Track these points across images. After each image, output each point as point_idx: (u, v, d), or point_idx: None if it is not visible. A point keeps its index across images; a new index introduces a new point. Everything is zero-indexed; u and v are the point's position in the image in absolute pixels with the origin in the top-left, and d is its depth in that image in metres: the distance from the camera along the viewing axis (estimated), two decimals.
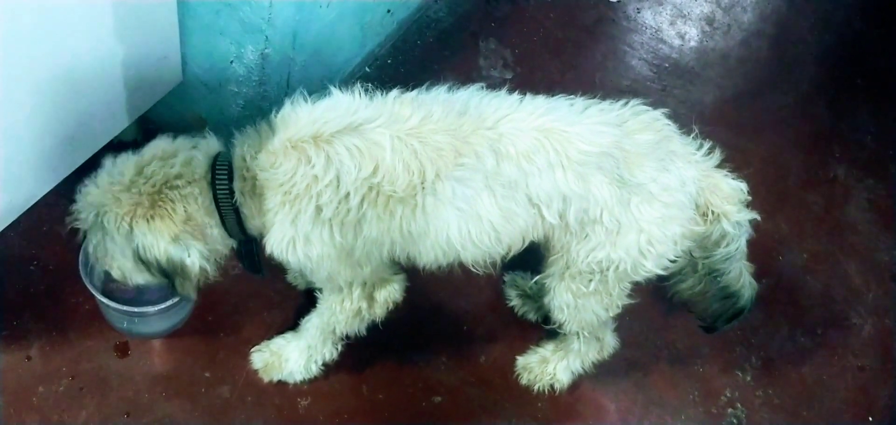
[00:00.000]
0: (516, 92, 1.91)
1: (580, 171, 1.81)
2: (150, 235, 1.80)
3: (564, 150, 1.80)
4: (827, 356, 2.79)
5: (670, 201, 1.88)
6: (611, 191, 1.84)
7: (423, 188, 1.77)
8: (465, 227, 1.83)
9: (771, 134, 3.49)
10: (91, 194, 1.85)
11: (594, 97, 1.95)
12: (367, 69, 3.21)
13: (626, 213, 1.87)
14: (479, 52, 3.44)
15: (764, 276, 2.42)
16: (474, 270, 1.97)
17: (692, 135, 2.01)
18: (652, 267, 1.96)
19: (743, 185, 2.01)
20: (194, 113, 2.59)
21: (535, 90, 1.96)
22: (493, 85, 1.95)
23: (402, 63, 3.31)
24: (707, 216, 1.98)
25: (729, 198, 1.98)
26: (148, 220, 1.80)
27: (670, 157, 1.89)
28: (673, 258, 1.99)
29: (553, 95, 1.94)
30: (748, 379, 2.67)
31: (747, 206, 2.03)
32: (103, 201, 1.82)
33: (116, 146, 2.50)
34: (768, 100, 3.67)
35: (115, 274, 1.94)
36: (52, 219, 2.46)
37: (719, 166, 2.01)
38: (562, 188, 1.82)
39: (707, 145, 1.99)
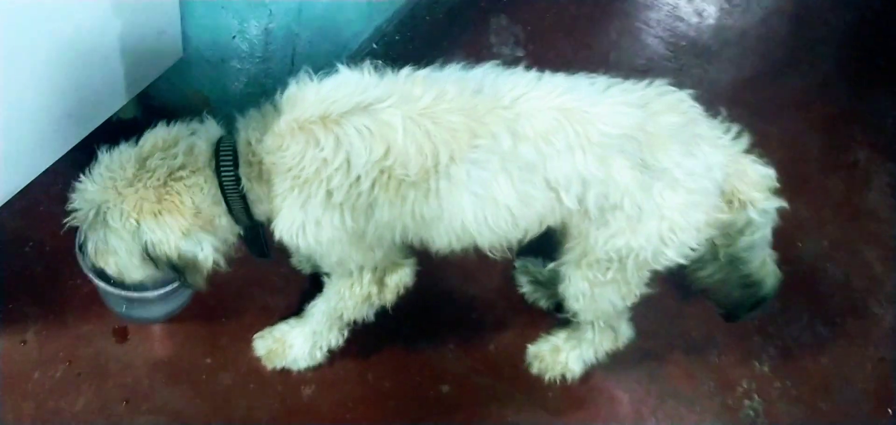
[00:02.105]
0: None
1: (601, 154, 1.74)
2: (159, 231, 1.75)
3: (585, 132, 1.72)
4: (846, 346, 2.71)
5: (695, 187, 1.80)
6: (633, 176, 1.76)
7: (437, 171, 1.70)
8: (481, 212, 1.76)
9: (790, 116, 3.40)
10: (89, 190, 1.79)
11: (608, 77, 1.87)
12: (375, 45, 3.13)
13: (649, 199, 1.79)
14: (490, 29, 3.36)
15: (782, 263, 2.36)
16: (491, 255, 1.91)
17: (719, 118, 1.92)
18: (673, 255, 1.89)
19: (771, 171, 1.93)
20: (196, 90, 2.51)
21: (548, 68, 1.89)
22: (505, 63, 1.89)
23: (411, 39, 3.23)
24: (733, 203, 1.91)
25: (756, 185, 1.90)
26: (156, 215, 1.75)
27: (696, 141, 1.81)
28: (695, 246, 1.91)
29: (566, 73, 1.86)
30: (765, 369, 2.60)
31: (775, 193, 1.95)
32: (105, 197, 1.77)
33: (115, 124, 2.47)
34: (787, 80, 3.57)
35: (111, 271, 1.88)
36: (49, 198, 2.39)
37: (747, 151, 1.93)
38: (581, 171, 1.74)
39: (735, 129, 1.91)
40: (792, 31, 3.85)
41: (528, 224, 1.82)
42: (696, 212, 1.83)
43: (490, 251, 1.88)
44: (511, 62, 1.89)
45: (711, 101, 2.04)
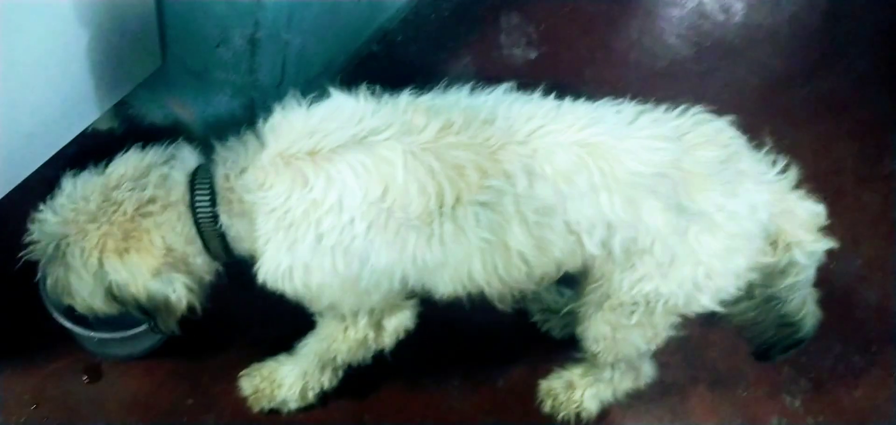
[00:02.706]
0: (542, 78, 1.68)
1: (630, 195, 1.56)
2: (125, 271, 1.59)
3: (611, 170, 1.55)
4: (883, 377, 2.54)
5: (736, 231, 1.62)
6: (665, 219, 1.58)
7: (441, 214, 1.53)
8: (491, 259, 1.59)
9: (823, 122, 3.20)
10: (49, 222, 1.63)
11: (627, 81, 1.71)
12: (375, 47, 2.93)
13: (683, 244, 1.61)
14: (501, 28, 3.14)
15: (814, 288, 2.20)
16: (500, 306, 1.72)
17: (764, 150, 1.73)
18: (708, 302, 1.72)
19: (820, 208, 1.76)
20: (178, 101, 2.32)
21: (563, 72, 1.69)
22: (516, 65, 1.71)
23: (414, 40, 3.02)
24: (777, 244, 1.72)
25: (804, 225, 1.72)
26: (121, 254, 1.59)
27: (738, 179, 1.62)
28: (734, 293, 1.74)
29: (583, 77, 1.69)
30: (797, 404, 2.44)
31: (823, 231, 1.78)
32: (65, 232, 1.61)
33: (90, 136, 2.28)
34: (821, 83, 3.37)
35: (79, 308, 1.73)
36: (15, 221, 2.16)
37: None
38: (607, 215, 1.57)
39: (782, 161, 1.74)
40: (825, 30, 3.64)
41: (543, 271, 1.66)
42: (737, 257, 1.66)
43: (499, 302, 1.71)
44: (523, 64, 1.70)
45: (738, 106, 1.88)
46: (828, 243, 1.77)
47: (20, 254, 1.69)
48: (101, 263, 1.59)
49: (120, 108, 2.33)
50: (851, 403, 2.46)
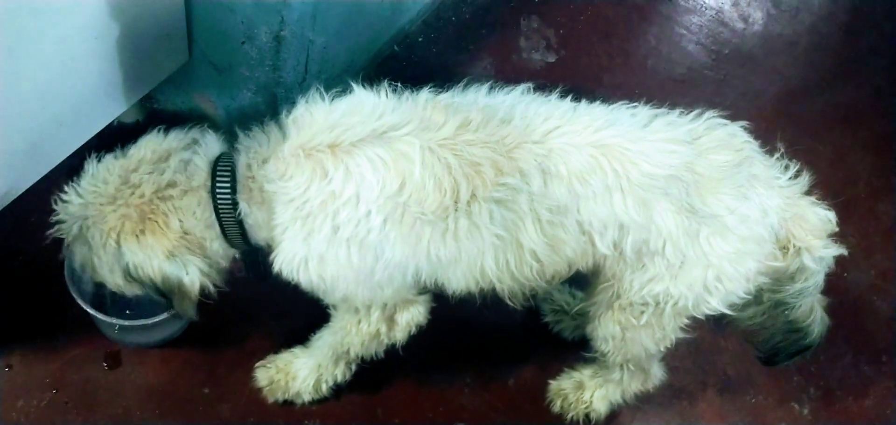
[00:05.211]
0: (560, 82, 1.68)
1: (643, 197, 1.57)
2: (141, 253, 1.61)
3: (625, 172, 1.56)
4: (892, 387, 2.53)
5: (747, 234, 1.63)
6: (677, 221, 1.59)
7: (457, 209, 1.55)
8: (503, 256, 1.61)
9: (839, 132, 3.20)
10: (73, 204, 1.66)
11: (645, 87, 1.71)
12: (396, 48, 2.95)
13: (694, 246, 1.63)
14: (520, 32, 3.14)
15: (826, 296, 2.21)
16: (511, 303, 1.73)
17: (776, 155, 1.74)
18: (717, 304, 1.73)
19: (831, 215, 1.76)
20: (203, 95, 2.35)
21: (581, 76, 1.71)
22: (534, 68, 1.72)
23: (434, 41, 3.03)
24: (787, 249, 1.73)
25: (815, 231, 1.73)
26: (137, 236, 1.60)
27: (750, 183, 1.63)
28: (744, 296, 1.74)
29: (600, 82, 1.70)
30: (805, 412, 2.43)
31: (834, 238, 1.78)
32: (87, 213, 1.64)
33: (116, 129, 2.31)
34: (838, 93, 3.37)
35: (109, 286, 1.75)
36: (41, 209, 2.19)
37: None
38: (619, 215, 1.58)
39: (794, 167, 1.74)
40: (843, 40, 3.63)
41: (555, 270, 1.67)
42: (748, 260, 1.67)
43: (510, 299, 1.72)
44: (541, 68, 1.71)
45: (754, 114, 1.89)
46: (837, 249, 1.78)
47: (47, 232, 1.72)
48: (118, 245, 1.61)
49: (145, 102, 2.36)
50: (860, 412, 2.45)
